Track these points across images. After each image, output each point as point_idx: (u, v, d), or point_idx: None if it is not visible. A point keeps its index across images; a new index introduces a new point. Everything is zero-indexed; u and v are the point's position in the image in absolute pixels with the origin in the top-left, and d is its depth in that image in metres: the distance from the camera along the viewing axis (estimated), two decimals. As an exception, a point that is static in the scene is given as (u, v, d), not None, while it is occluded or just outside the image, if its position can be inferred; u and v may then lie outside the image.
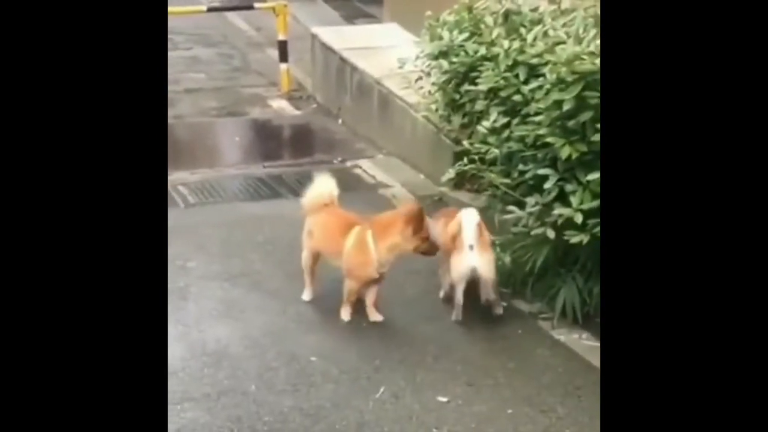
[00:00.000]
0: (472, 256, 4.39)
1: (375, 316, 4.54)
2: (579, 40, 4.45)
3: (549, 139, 4.33)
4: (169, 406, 3.81)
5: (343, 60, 7.65)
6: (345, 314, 4.55)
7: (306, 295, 4.73)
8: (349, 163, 6.83)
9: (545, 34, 4.95)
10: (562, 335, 4.43)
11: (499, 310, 4.54)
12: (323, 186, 4.68)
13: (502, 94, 4.91)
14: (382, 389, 3.98)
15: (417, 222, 4.37)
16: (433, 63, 5.76)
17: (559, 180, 4.34)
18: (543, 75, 4.57)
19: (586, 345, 4.31)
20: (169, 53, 9.80)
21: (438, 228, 4.60)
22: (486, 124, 4.91)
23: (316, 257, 4.69)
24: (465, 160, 5.04)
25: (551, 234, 4.31)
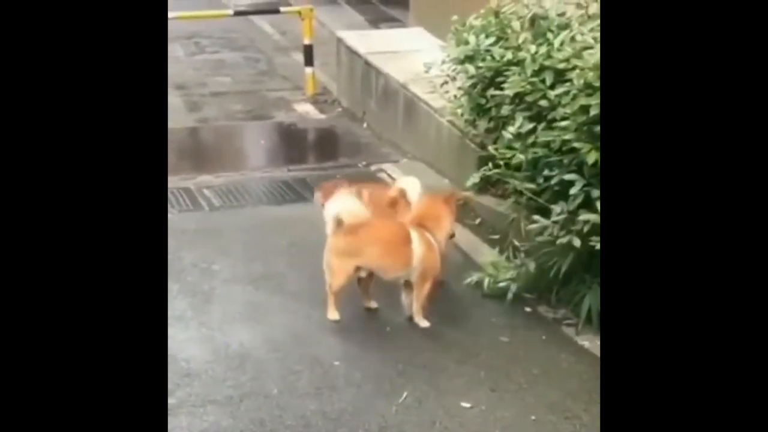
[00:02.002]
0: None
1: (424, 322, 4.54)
2: (606, 45, 4.42)
3: (575, 145, 4.30)
4: (192, 409, 3.83)
5: (368, 64, 7.65)
6: (425, 321, 4.53)
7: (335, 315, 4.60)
8: (373, 167, 6.83)
9: (572, 39, 4.92)
10: (587, 341, 4.40)
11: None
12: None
13: (529, 99, 4.89)
14: (405, 394, 3.97)
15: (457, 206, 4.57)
16: (459, 67, 5.74)
17: (585, 186, 4.31)
18: (570, 80, 4.54)
19: (611, 352, 4.28)
20: (196, 57, 9.90)
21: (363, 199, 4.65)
22: (511, 129, 4.89)
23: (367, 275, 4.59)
24: (490, 165, 5.02)
25: (577, 242, 4.28)
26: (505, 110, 5.16)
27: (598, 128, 4.20)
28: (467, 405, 3.91)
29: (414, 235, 4.44)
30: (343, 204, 4.44)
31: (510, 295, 4.65)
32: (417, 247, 4.42)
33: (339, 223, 4.39)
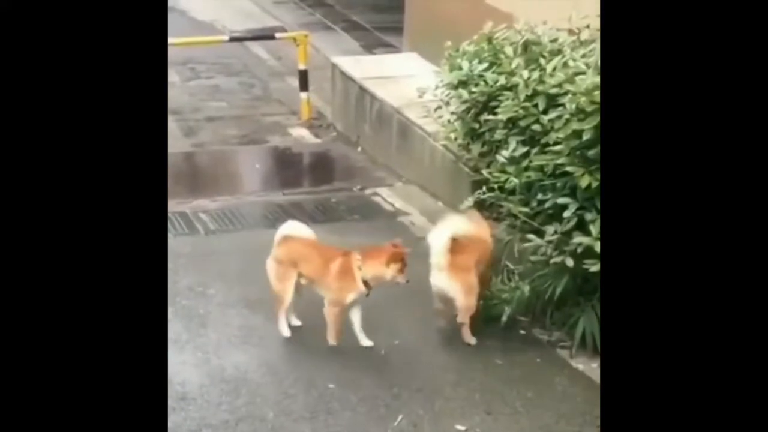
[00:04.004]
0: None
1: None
2: (599, 71, 4.47)
3: (568, 169, 4.34)
4: (188, 432, 3.84)
5: (362, 89, 7.70)
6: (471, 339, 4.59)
7: None
8: (368, 191, 6.85)
9: (565, 64, 4.97)
10: (581, 364, 4.41)
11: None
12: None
13: (522, 123, 4.93)
14: (400, 417, 3.97)
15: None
16: (453, 92, 5.78)
17: (578, 209, 4.34)
18: (562, 105, 4.59)
19: (606, 375, 4.29)
20: (191, 82, 9.92)
21: None
22: (505, 153, 4.92)
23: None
24: (484, 188, 5.04)
25: (570, 262, 4.31)
26: (499, 134, 5.19)
27: (590, 152, 4.25)
28: (462, 428, 3.91)
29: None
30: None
31: (504, 318, 4.66)
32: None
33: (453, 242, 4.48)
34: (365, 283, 4.44)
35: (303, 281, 4.62)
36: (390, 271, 4.38)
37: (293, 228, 4.73)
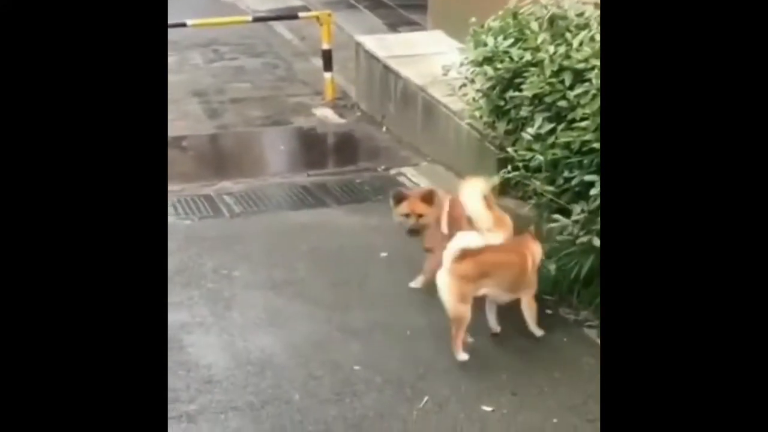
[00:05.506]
0: None
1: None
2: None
3: (595, 145, 4.27)
4: (214, 416, 3.84)
5: (386, 68, 7.64)
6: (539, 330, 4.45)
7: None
8: (393, 171, 6.81)
9: (591, 38, 4.88)
10: (610, 344, 4.35)
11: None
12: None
13: (548, 99, 4.86)
14: (426, 398, 3.95)
15: None
16: (478, 69, 5.72)
17: (605, 186, 4.27)
18: (589, 80, 4.52)
19: (635, 354, 4.24)
20: (215, 64, 9.93)
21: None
22: (531, 130, 4.87)
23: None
24: (509, 167, 5.00)
25: (597, 242, 4.24)
26: (524, 111, 5.13)
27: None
28: (489, 409, 3.88)
29: (518, 239, 4.49)
30: None
31: (531, 298, 4.61)
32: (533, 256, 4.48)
33: None
34: None
35: (491, 291, 4.34)
36: None
37: (468, 239, 4.24)
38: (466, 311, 4.17)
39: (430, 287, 4.41)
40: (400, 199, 4.81)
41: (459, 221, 4.56)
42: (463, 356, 4.19)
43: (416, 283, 4.88)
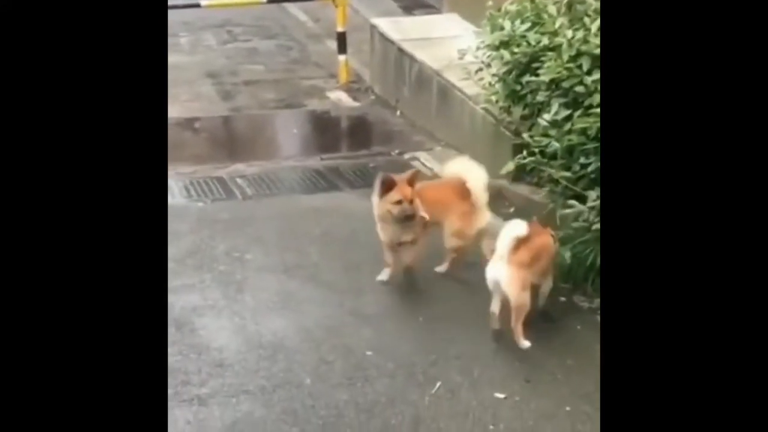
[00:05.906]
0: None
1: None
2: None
3: (612, 132, 4.22)
4: (225, 399, 3.83)
5: (401, 51, 7.59)
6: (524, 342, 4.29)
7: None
8: (406, 156, 6.78)
9: (609, 23, 4.83)
10: (624, 332, 4.32)
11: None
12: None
13: (565, 85, 4.82)
14: (438, 384, 3.93)
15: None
16: (494, 54, 5.67)
17: (622, 173, 4.23)
18: (607, 65, 4.46)
19: (649, 343, 4.21)
20: (228, 45, 9.90)
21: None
22: (547, 116, 4.83)
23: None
24: (525, 153, 4.96)
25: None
26: (541, 97, 5.09)
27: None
28: (501, 395, 3.86)
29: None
30: None
31: (545, 285, 4.58)
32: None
33: None
34: None
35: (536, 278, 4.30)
36: None
37: (516, 228, 4.14)
38: (527, 299, 4.16)
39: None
40: (390, 185, 4.49)
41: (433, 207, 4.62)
42: (525, 343, 4.16)
43: (384, 275, 4.76)
